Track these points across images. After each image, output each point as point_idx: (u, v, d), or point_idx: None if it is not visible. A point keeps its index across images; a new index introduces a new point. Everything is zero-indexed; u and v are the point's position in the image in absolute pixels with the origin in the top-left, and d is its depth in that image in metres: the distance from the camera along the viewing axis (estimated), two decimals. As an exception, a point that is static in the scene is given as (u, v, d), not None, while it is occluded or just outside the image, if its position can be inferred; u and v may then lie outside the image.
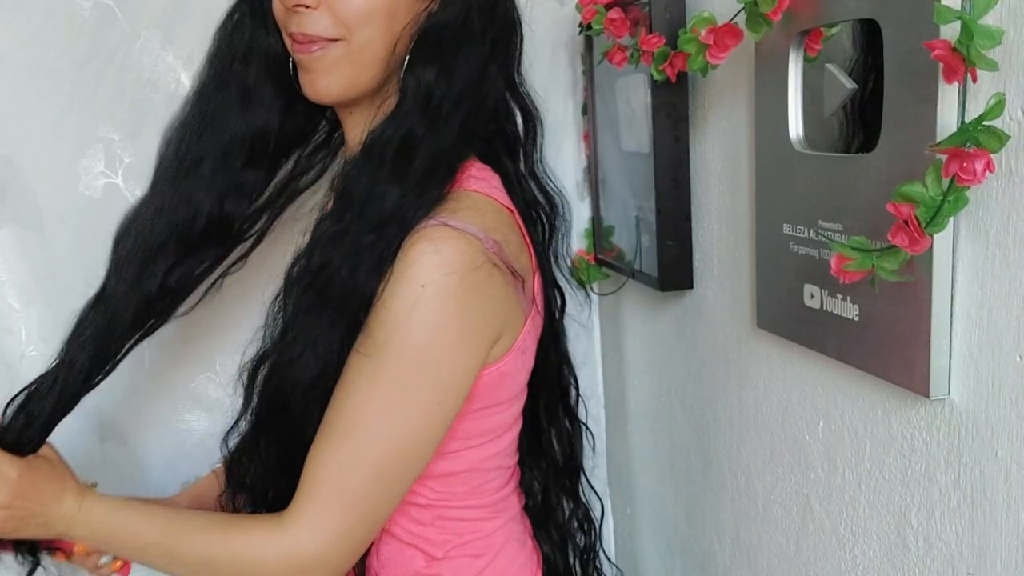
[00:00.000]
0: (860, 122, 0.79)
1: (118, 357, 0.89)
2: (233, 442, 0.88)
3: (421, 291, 0.73)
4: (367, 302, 0.76)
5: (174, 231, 0.87)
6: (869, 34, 0.71)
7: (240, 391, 0.85)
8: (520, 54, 0.90)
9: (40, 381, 0.87)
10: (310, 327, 0.78)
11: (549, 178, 0.96)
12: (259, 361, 0.83)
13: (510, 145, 0.94)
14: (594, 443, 1.10)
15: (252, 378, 0.84)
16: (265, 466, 0.84)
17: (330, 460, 0.77)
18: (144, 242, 0.87)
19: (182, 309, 0.92)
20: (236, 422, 0.86)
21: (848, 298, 0.76)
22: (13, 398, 0.86)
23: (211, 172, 0.87)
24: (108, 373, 0.89)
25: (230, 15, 0.89)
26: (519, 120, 0.93)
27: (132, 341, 0.89)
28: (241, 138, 0.87)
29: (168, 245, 0.87)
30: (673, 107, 1.04)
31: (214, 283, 0.94)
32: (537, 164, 0.95)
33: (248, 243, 0.94)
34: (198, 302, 0.94)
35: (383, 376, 0.75)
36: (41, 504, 0.81)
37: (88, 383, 0.87)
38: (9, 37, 1.04)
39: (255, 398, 0.84)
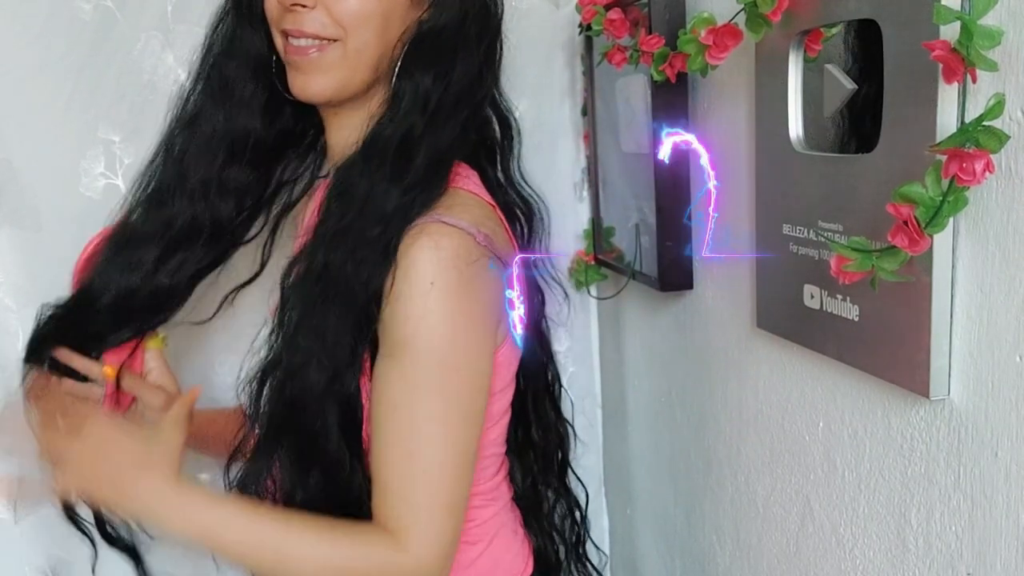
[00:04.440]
0: (860, 122, 0.79)
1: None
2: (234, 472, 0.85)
3: (431, 289, 0.75)
4: (375, 296, 0.77)
5: (159, 224, 0.90)
6: (869, 34, 0.71)
7: (245, 401, 0.83)
8: (501, 63, 0.91)
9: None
10: (319, 327, 0.78)
11: (525, 183, 0.99)
12: (267, 369, 0.81)
13: (490, 151, 0.96)
14: (575, 438, 1.12)
15: (260, 389, 0.81)
16: (288, 472, 0.82)
17: (411, 475, 0.76)
18: (133, 231, 0.91)
19: (192, 316, 0.94)
20: (244, 436, 0.84)
21: (848, 298, 0.76)
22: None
23: (193, 165, 0.90)
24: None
25: (220, 13, 0.90)
26: (496, 129, 0.96)
27: (121, 336, 0.93)
28: (221, 134, 0.89)
29: (156, 237, 0.90)
30: (673, 107, 1.04)
31: (227, 297, 0.96)
32: (514, 171, 0.98)
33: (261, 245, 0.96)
34: (214, 315, 0.96)
35: (420, 384, 0.76)
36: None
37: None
38: (10, 39, 1.04)
39: (265, 408, 0.81)
